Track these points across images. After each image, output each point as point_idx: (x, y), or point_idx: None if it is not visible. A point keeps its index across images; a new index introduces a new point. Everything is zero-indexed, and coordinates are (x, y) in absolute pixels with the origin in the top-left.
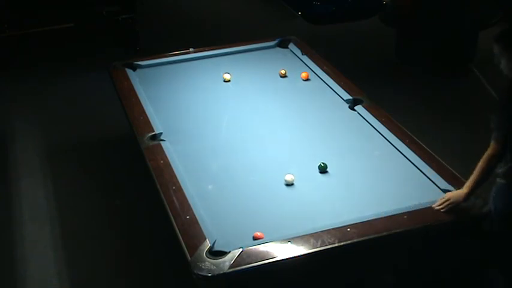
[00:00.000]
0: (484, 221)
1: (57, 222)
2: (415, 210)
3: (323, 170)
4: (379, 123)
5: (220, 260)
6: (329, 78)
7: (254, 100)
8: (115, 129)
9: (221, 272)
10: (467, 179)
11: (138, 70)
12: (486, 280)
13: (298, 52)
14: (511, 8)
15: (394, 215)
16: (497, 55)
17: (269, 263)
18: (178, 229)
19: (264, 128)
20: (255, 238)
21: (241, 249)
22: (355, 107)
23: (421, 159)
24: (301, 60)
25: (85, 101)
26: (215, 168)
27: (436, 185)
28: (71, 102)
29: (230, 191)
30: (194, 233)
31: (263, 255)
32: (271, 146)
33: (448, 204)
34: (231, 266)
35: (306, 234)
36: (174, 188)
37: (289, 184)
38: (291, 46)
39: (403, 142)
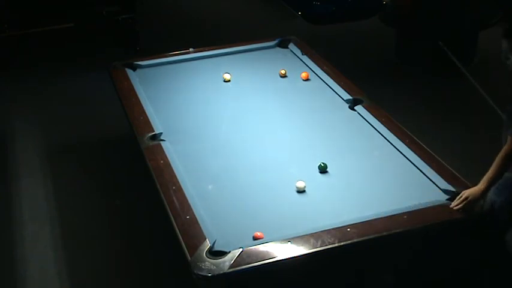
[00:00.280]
0: (486, 216)
1: (57, 222)
2: (415, 210)
3: (323, 170)
4: (379, 123)
5: (220, 260)
6: (329, 78)
7: (254, 100)
8: (115, 129)
9: (221, 272)
10: (467, 179)
11: (138, 70)
12: (486, 280)
13: (298, 52)
14: (511, 8)
15: (394, 215)
16: (505, 51)
17: (269, 263)
18: (178, 229)
19: (264, 128)
20: (255, 238)
21: (241, 249)
22: (355, 107)
23: (421, 159)
24: (301, 60)
25: (85, 101)
26: (215, 168)
27: (436, 185)
28: (71, 102)
29: (230, 191)
30: (194, 233)
31: (263, 255)
32: (271, 146)
33: (466, 202)
34: (231, 266)
35: (306, 234)
36: (174, 188)
37: (300, 191)
38: (291, 46)
39: (403, 142)
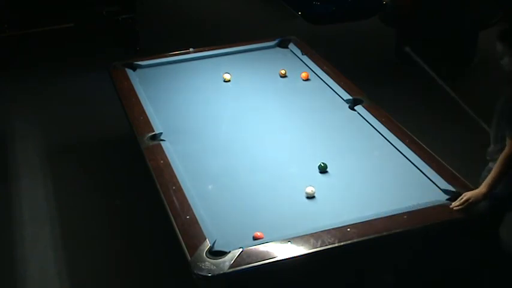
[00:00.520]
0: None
1: (57, 222)
2: (415, 210)
3: (323, 170)
4: (379, 123)
5: (220, 260)
6: (329, 78)
7: (254, 100)
8: (115, 129)
9: (221, 272)
10: (467, 179)
11: (138, 70)
12: (486, 280)
13: (298, 52)
14: (511, 8)
15: (394, 215)
16: (500, 53)
17: (269, 263)
18: (178, 229)
19: (264, 128)
20: (255, 238)
21: (241, 249)
22: (355, 107)
23: (421, 159)
24: (301, 60)
25: (85, 101)
26: (215, 168)
27: (436, 185)
28: (71, 102)
29: (230, 191)
30: (194, 233)
31: (263, 255)
32: (271, 146)
33: (467, 204)
34: (231, 266)
35: (306, 234)
36: (174, 188)
37: (310, 197)
38: (291, 46)
39: (403, 142)
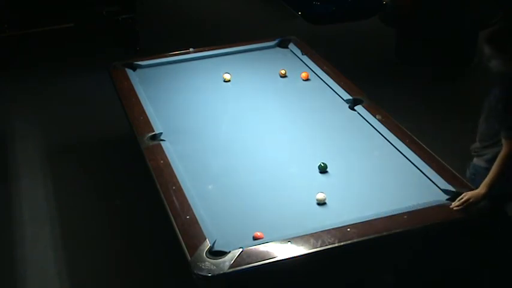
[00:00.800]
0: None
1: (57, 222)
2: (415, 210)
3: (323, 170)
4: (379, 123)
5: (220, 260)
6: (329, 78)
7: (254, 100)
8: (115, 129)
9: (221, 272)
10: (467, 179)
11: (138, 70)
12: (486, 280)
13: (298, 52)
14: (511, 8)
15: (394, 215)
16: (488, 56)
17: (269, 263)
18: (178, 229)
19: (264, 128)
20: (255, 238)
21: (241, 249)
22: (355, 107)
23: (421, 159)
24: (301, 60)
25: (85, 101)
26: (215, 168)
27: (436, 185)
28: (71, 102)
29: (230, 191)
30: (194, 233)
31: (263, 255)
32: (271, 146)
33: (467, 205)
34: (231, 266)
35: (306, 234)
36: (174, 188)
37: (321, 203)
38: (291, 46)
39: (403, 142)
